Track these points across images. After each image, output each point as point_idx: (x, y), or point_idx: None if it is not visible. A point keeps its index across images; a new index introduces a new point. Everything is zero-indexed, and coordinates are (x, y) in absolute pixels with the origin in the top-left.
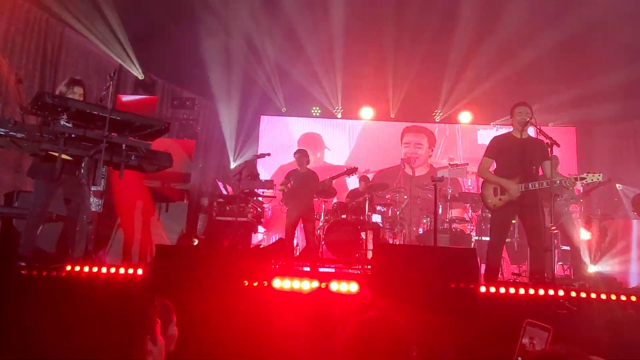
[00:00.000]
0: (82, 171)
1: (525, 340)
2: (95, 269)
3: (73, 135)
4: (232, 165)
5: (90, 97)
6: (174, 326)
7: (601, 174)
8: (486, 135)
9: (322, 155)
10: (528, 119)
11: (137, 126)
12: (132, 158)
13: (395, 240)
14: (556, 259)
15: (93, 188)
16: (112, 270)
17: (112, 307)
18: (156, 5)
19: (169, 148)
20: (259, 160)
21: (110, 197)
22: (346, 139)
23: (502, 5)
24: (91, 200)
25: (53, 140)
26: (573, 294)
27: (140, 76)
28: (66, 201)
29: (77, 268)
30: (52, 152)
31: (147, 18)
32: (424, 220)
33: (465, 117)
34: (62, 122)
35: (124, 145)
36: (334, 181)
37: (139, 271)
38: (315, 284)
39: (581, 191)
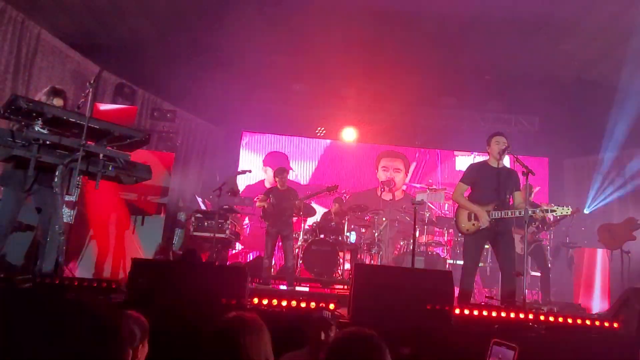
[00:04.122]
0: (56, 180)
1: None
2: (66, 282)
3: (48, 142)
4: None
5: (67, 104)
6: (145, 342)
7: (570, 208)
8: (464, 161)
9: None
10: (504, 148)
11: (116, 136)
12: (110, 168)
13: (372, 261)
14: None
15: (66, 198)
16: (85, 284)
17: (81, 319)
18: (139, 15)
19: (147, 160)
20: None
21: (83, 208)
22: (315, 159)
23: (486, 37)
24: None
25: (26, 146)
26: (542, 317)
27: (119, 88)
28: (37, 210)
29: (47, 281)
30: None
31: (129, 27)
32: (401, 243)
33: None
34: (37, 128)
35: (101, 155)
36: (312, 201)
37: (113, 285)
38: (293, 303)
39: (551, 220)
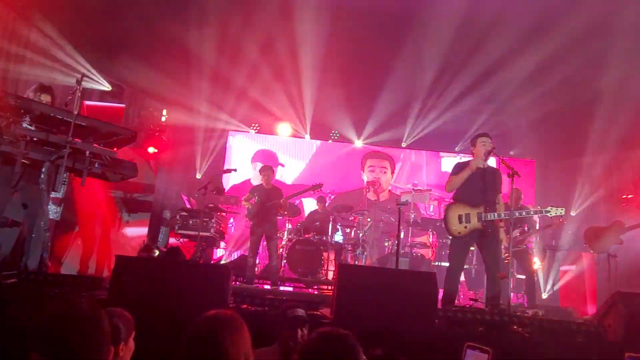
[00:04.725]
0: (42, 176)
1: None
2: (50, 279)
3: (35, 139)
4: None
5: (55, 101)
6: (131, 339)
7: (564, 209)
8: (450, 162)
9: (276, 173)
10: (491, 149)
11: (102, 133)
12: (96, 166)
13: (356, 261)
14: (511, 287)
15: (52, 195)
16: (69, 280)
17: (63, 315)
18: (129, 15)
19: (133, 158)
20: None
21: (70, 205)
22: (302, 159)
23: (474, 38)
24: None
25: (13, 142)
26: (526, 320)
27: (107, 87)
28: (23, 206)
29: (32, 276)
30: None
31: (118, 26)
32: (386, 244)
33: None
34: (25, 125)
35: (87, 152)
36: (297, 200)
37: (97, 282)
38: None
39: (538, 223)
